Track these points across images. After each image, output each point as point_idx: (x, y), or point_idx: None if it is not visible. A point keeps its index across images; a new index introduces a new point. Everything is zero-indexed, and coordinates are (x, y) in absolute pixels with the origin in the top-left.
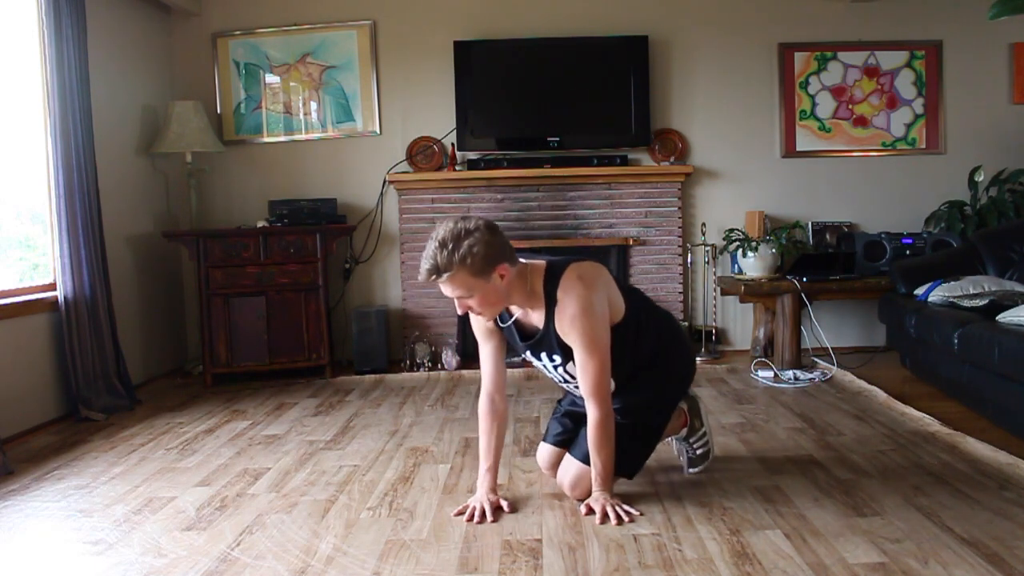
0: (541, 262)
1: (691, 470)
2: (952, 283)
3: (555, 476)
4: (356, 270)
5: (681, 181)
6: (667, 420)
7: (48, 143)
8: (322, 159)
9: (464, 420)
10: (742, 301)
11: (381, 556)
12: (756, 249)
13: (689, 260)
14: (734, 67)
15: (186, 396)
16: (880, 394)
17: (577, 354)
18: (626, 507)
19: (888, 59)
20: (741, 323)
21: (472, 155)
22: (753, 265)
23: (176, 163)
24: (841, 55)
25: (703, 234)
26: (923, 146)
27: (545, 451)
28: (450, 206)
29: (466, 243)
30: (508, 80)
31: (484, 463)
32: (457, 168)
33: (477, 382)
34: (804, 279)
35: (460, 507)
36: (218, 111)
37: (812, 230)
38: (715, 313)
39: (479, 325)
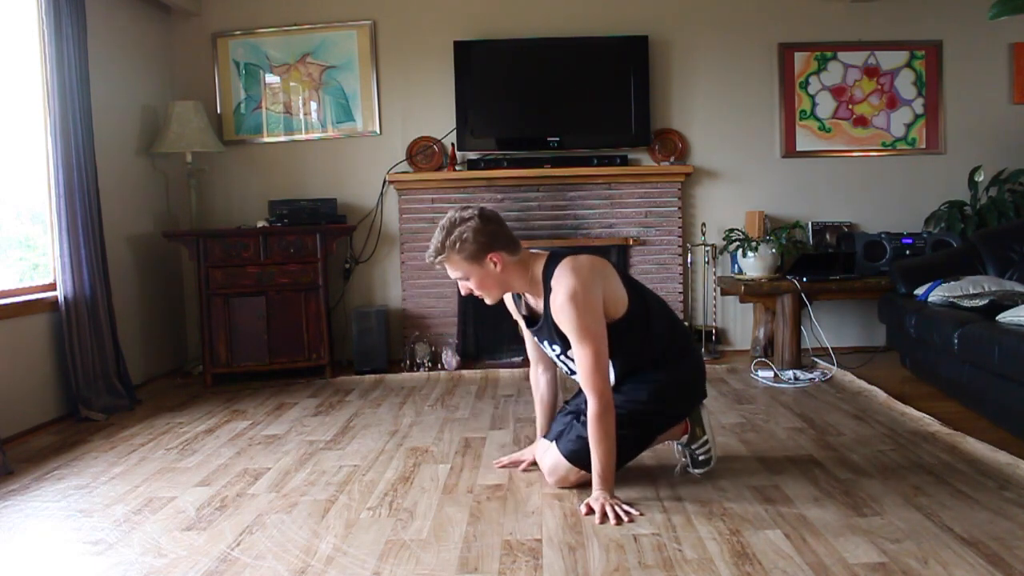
0: (545, 252)
1: (694, 471)
2: (952, 283)
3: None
4: (356, 270)
5: (681, 181)
6: (659, 431)
7: (48, 143)
8: (322, 159)
9: (464, 420)
10: (742, 301)
11: (381, 556)
12: (756, 249)
13: (689, 260)
14: (734, 67)
15: (186, 396)
16: (880, 394)
17: (572, 343)
18: (626, 507)
19: (888, 59)
20: (741, 323)
21: (472, 155)
22: (753, 265)
23: (176, 163)
24: (841, 55)
25: (703, 234)
26: (923, 146)
27: (540, 447)
28: (450, 206)
29: (457, 230)
30: (508, 80)
31: (538, 430)
32: (457, 168)
33: (477, 382)
34: (804, 279)
35: (509, 458)
36: (218, 111)
37: (812, 230)
38: (715, 313)
39: (512, 308)
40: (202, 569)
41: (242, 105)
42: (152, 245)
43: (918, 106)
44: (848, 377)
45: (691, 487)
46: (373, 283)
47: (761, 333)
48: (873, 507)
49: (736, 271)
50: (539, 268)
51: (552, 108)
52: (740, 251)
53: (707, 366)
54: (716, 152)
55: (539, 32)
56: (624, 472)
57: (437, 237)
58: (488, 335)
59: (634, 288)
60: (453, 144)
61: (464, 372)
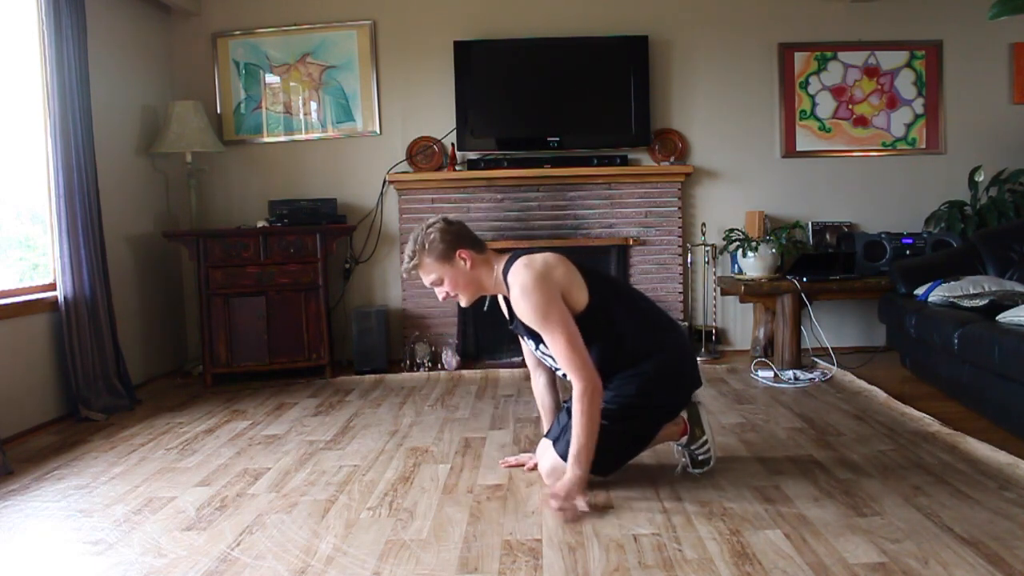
0: (508, 253)
1: (693, 471)
2: (952, 283)
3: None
4: (356, 270)
5: (681, 181)
6: (654, 425)
7: (48, 143)
8: (322, 159)
9: (464, 420)
10: (742, 301)
11: (381, 556)
12: (756, 249)
13: (689, 260)
14: (734, 67)
15: (186, 396)
16: (880, 394)
17: (541, 335)
18: (583, 503)
19: (888, 59)
20: (741, 323)
21: (472, 155)
22: (753, 265)
23: (176, 163)
24: (841, 55)
25: (703, 234)
26: (923, 146)
27: (540, 446)
28: (450, 206)
29: (424, 233)
30: (508, 80)
31: (544, 432)
32: (457, 168)
33: (477, 382)
34: (804, 279)
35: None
36: (218, 111)
37: (812, 230)
38: (715, 313)
39: (503, 306)
40: (202, 569)
41: (242, 105)
42: (152, 245)
43: (918, 106)
44: (848, 377)
45: (691, 487)
46: (373, 283)
47: (761, 333)
48: (873, 507)
49: (736, 271)
50: (501, 267)
51: (552, 108)
52: (740, 251)
53: (707, 366)
54: (716, 152)
55: (539, 32)
56: (624, 472)
57: (408, 248)
58: (488, 335)
59: (597, 282)
60: (453, 144)
61: (464, 372)
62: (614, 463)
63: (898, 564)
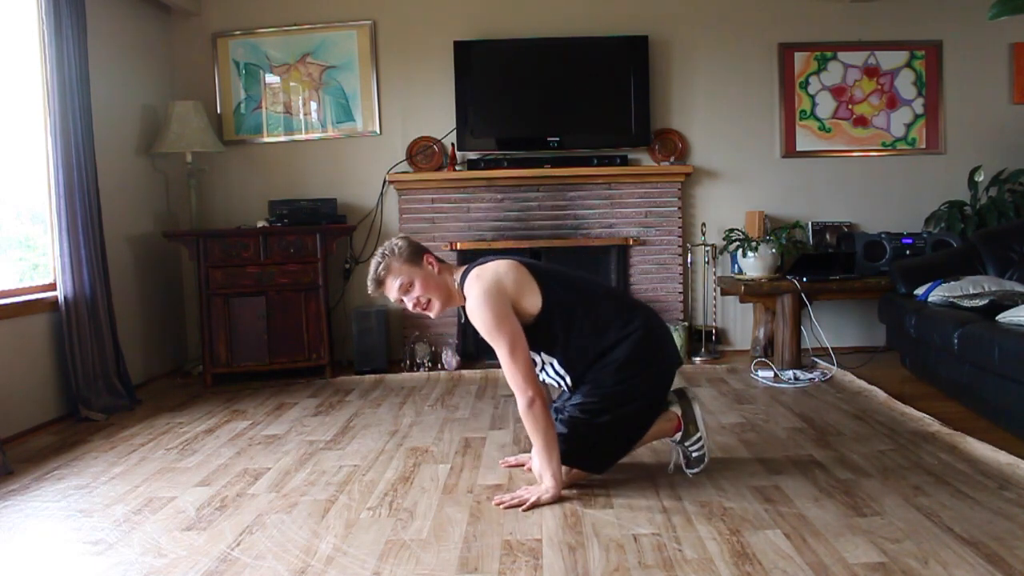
0: (462, 266)
1: (688, 471)
2: (952, 283)
3: None
4: (356, 270)
5: (681, 181)
6: (641, 415)
7: (48, 143)
8: (322, 159)
9: (464, 420)
10: (742, 301)
11: (381, 556)
12: (756, 249)
13: (689, 260)
14: (734, 67)
15: (186, 396)
16: (880, 394)
17: (491, 345)
18: (541, 504)
19: (888, 59)
20: (741, 323)
21: (472, 155)
22: (753, 265)
23: (176, 163)
24: (841, 55)
25: (703, 234)
26: (923, 146)
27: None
28: (450, 206)
29: (388, 244)
30: (508, 80)
31: None
32: (457, 168)
33: (477, 382)
34: (804, 279)
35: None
36: (218, 111)
37: (812, 230)
38: (715, 313)
39: None
40: (202, 569)
41: (242, 105)
42: (152, 245)
43: (918, 106)
44: (848, 377)
45: (691, 487)
46: None
47: (761, 333)
48: (873, 507)
49: (736, 271)
50: (458, 279)
51: (552, 108)
52: (740, 251)
53: (707, 366)
54: (716, 152)
55: (539, 32)
56: (624, 472)
57: (373, 261)
58: None
59: (551, 281)
60: (453, 144)
61: (464, 372)
62: (607, 459)
63: (898, 564)
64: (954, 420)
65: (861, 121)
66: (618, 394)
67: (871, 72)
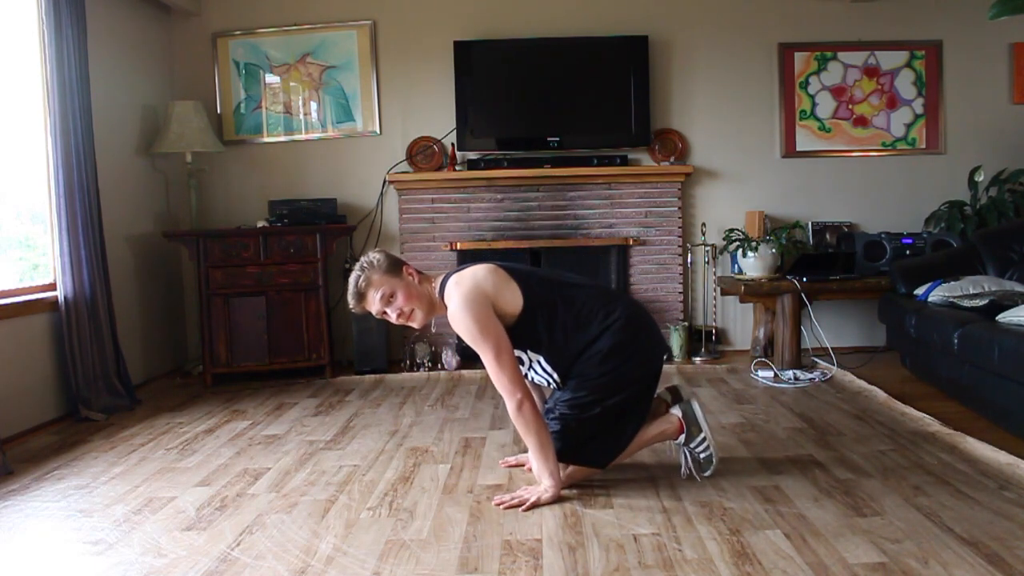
0: (441, 273)
1: (700, 476)
2: (952, 283)
3: None
4: None
5: (681, 181)
6: (630, 404)
7: (48, 143)
8: (322, 159)
9: (464, 420)
10: (742, 301)
11: (381, 556)
12: (756, 249)
13: (689, 260)
14: (734, 67)
15: (186, 396)
16: (880, 394)
17: (476, 351)
18: (541, 505)
19: (888, 59)
20: (741, 323)
21: (472, 155)
22: (753, 265)
23: (176, 163)
24: (841, 55)
25: (703, 234)
26: (923, 146)
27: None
28: (450, 206)
29: (366, 258)
30: (508, 80)
31: None
32: (457, 168)
33: (477, 382)
34: (804, 279)
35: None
36: (218, 111)
37: (812, 230)
38: (715, 313)
39: None
40: (202, 569)
41: (242, 105)
42: (152, 245)
43: (918, 106)
44: (848, 377)
45: (691, 487)
46: None
47: (761, 333)
48: (873, 507)
49: (736, 271)
50: (437, 288)
51: (552, 108)
52: (740, 251)
53: (707, 366)
54: (716, 152)
55: (539, 32)
56: (624, 472)
57: (352, 276)
58: None
59: (530, 282)
60: (453, 144)
61: (464, 372)
62: (605, 452)
63: (898, 564)
64: (954, 420)
65: (861, 121)
66: (605, 385)
67: (871, 72)
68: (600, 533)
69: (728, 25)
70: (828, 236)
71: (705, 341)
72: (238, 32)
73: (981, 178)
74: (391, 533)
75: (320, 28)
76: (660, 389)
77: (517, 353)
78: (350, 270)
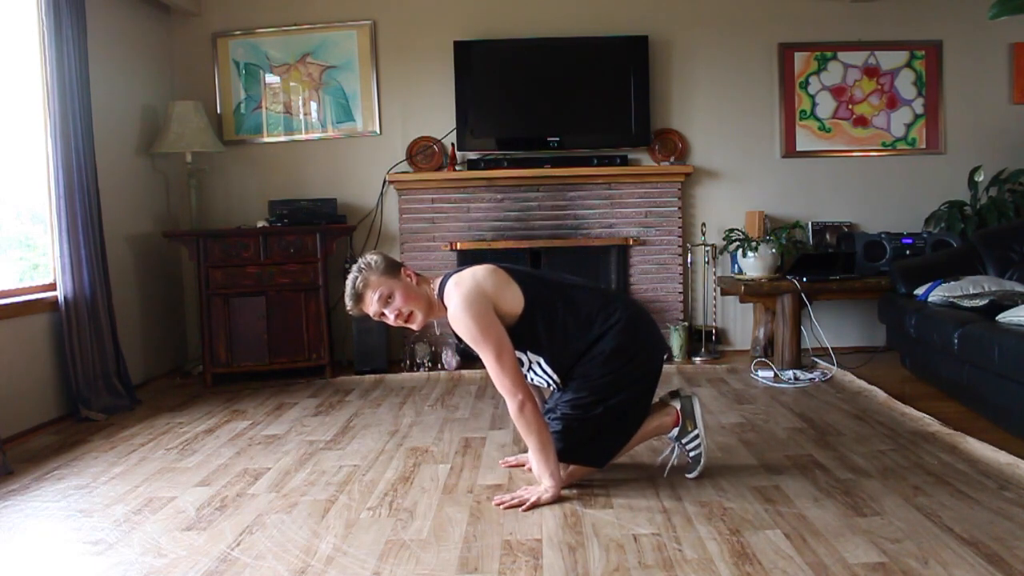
0: (440, 275)
1: (688, 475)
2: (952, 283)
3: None
4: None
5: (681, 181)
6: (631, 404)
7: (48, 143)
8: (322, 159)
9: (464, 420)
10: (742, 301)
11: (381, 556)
12: (756, 249)
13: (689, 260)
14: (734, 67)
15: (186, 396)
16: (880, 394)
17: (476, 351)
18: (541, 504)
19: (888, 59)
20: (741, 323)
21: (472, 155)
22: (753, 265)
23: (176, 163)
24: (841, 55)
25: (703, 234)
26: (923, 146)
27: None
28: (450, 206)
29: (362, 261)
30: (508, 80)
31: None
32: (457, 168)
33: (477, 382)
34: (804, 279)
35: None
36: (218, 111)
37: (812, 230)
38: (715, 313)
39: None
40: (202, 569)
41: (242, 105)
42: (152, 245)
43: (918, 106)
44: (848, 377)
45: (691, 487)
46: None
47: (761, 333)
48: (873, 507)
49: (736, 271)
50: (436, 289)
51: (552, 108)
52: (740, 251)
53: (707, 366)
54: (716, 152)
55: (539, 32)
56: (624, 472)
57: (350, 277)
58: None
59: (531, 282)
60: (453, 144)
61: (464, 372)
62: (605, 452)
63: (898, 564)
64: (954, 420)
65: (861, 121)
66: (607, 385)
67: (871, 72)
68: (600, 533)
69: (728, 25)
70: (828, 236)
71: (705, 341)
72: (238, 32)
73: (981, 178)
74: (391, 533)
75: (320, 28)
76: (662, 393)
77: (517, 354)
78: (350, 270)
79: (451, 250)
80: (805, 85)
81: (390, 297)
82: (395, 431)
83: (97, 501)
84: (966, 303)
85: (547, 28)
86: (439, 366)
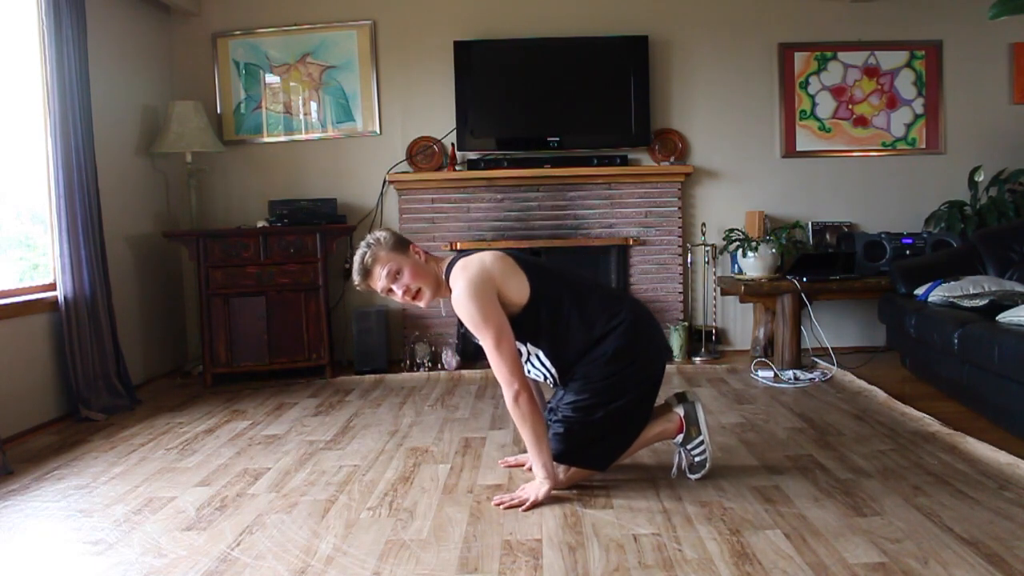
0: (449, 255)
1: (691, 476)
2: (952, 283)
3: None
4: None
5: (681, 181)
6: (633, 409)
7: (48, 143)
8: (322, 159)
9: (464, 420)
10: (742, 301)
11: (381, 556)
12: (756, 249)
13: (689, 260)
14: (734, 67)
15: (186, 396)
16: (880, 394)
17: (477, 336)
18: (539, 503)
19: (888, 59)
20: (741, 323)
21: (472, 155)
22: (753, 265)
23: (176, 163)
24: (841, 55)
25: (703, 234)
26: (923, 146)
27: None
28: (450, 206)
29: (371, 237)
30: (508, 80)
31: None
32: (457, 168)
33: (477, 382)
34: (804, 279)
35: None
36: (218, 111)
37: (812, 230)
38: (715, 313)
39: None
40: (202, 569)
41: (242, 105)
42: (152, 245)
43: (918, 106)
44: (848, 377)
45: (691, 487)
46: None
47: (761, 333)
48: (873, 507)
49: (736, 271)
50: (443, 269)
51: (552, 108)
52: (740, 251)
53: (707, 366)
54: (716, 152)
55: (539, 32)
56: (624, 472)
57: (359, 253)
58: None
59: (538, 273)
60: (453, 144)
61: (464, 372)
62: (606, 456)
63: (898, 564)
64: (954, 420)
65: (861, 121)
66: (609, 388)
67: (871, 72)
68: (600, 533)
69: (728, 25)
70: (828, 236)
71: (705, 341)
72: (238, 32)
73: (981, 178)
74: (391, 533)
75: (320, 28)
76: (667, 394)
77: (516, 344)
78: (350, 270)
79: (451, 250)
80: (805, 85)
81: (398, 273)
82: (395, 431)
83: (97, 501)
84: (966, 303)
85: (547, 28)
86: (439, 366)
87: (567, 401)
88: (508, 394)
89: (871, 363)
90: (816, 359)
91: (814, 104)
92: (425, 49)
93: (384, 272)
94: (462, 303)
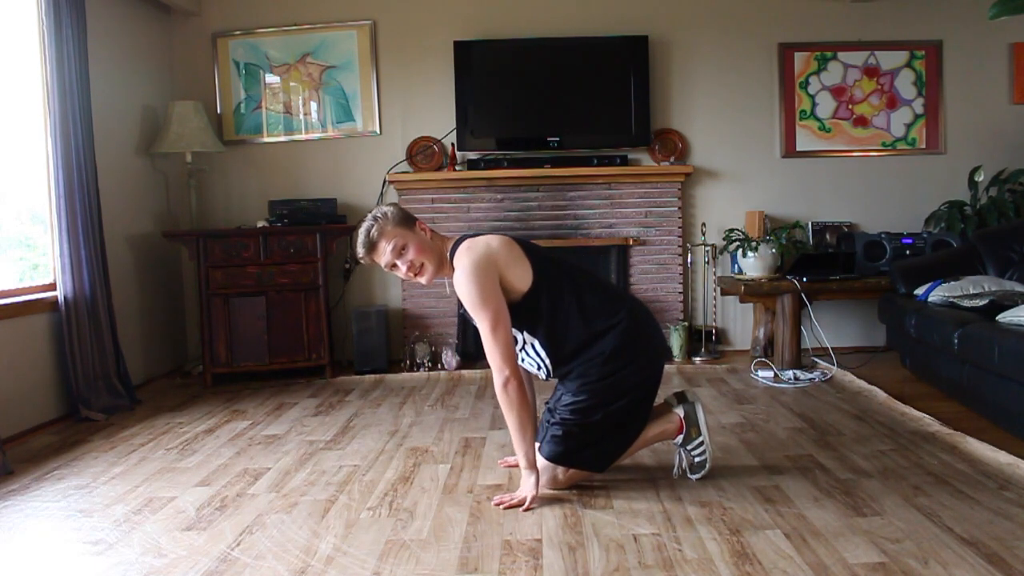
0: (454, 236)
1: (691, 476)
2: (952, 283)
3: None
4: (356, 270)
5: (681, 181)
6: (631, 410)
7: (48, 143)
8: (322, 159)
9: (464, 420)
10: (742, 301)
11: (381, 556)
12: (756, 249)
13: (689, 260)
14: (734, 67)
15: (186, 396)
16: (880, 394)
17: (474, 318)
18: (531, 505)
19: (888, 59)
20: (741, 323)
21: (472, 155)
22: (753, 265)
23: (176, 163)
24: (841, 55)
25: (703, 234)
26: (923, 146)
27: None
28: (450, 206)
29: (377, 211)
30: (508, 80)
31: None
32: (457, 168)
33: (477, 382)
34: (804, 279)
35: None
36: (218, 111)
37: (812, 230)
38: (715, 313)
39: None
40: (202, 569)
41: (242, 105)
42: (152, 245)
43: (918, 106)
44: (848, 377)
45: (691, 487)
46: (373, 283)
47: (761, 333)
48: (873, 507)
49: (736, 271)
50: (448, 249)
51: (552, 108)
52: (740, 251)
53: (707, 366)
54: (716, 152)
55: (539, 32)
56: (624, 472)
57: (363, 226)
58: None
59: (543, 262)
60: (453, 144)
61: (464, 372)
62: (605, 457)
63: (898, 564)
64: (954, 420)
65: (861, 121)
66: (607, 388)
67: (871, 72)
68: (600, 533)
69: (728, 25)
70: (828, 236)
71: (705, 341)
72: (238, 32)
73: (981, 178)
74: (391, 533)
75: (320, 28)
76: (666, 394)
77: (513, 332)
78: (350, 270)
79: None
80: (805, 85)
81: (404, 248)
82: (395, 431)
83: (97, 501)
84: (966, 303)
85: (547, 28)
86: (439, 366)
87: (565, 403)
88: (498, 380)
89: (871, 363)
90: (816, 359)
91: (814, 104)
92: (425, 49)
93: (390, 247)
94: (463, 283)
